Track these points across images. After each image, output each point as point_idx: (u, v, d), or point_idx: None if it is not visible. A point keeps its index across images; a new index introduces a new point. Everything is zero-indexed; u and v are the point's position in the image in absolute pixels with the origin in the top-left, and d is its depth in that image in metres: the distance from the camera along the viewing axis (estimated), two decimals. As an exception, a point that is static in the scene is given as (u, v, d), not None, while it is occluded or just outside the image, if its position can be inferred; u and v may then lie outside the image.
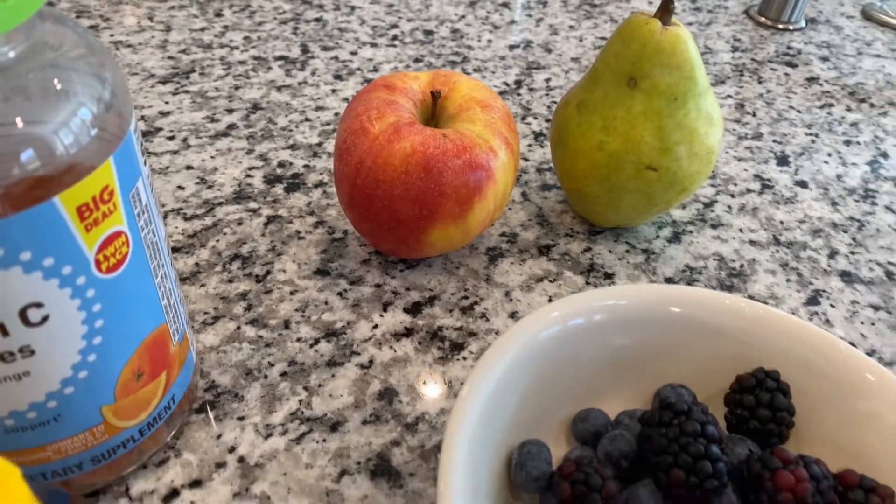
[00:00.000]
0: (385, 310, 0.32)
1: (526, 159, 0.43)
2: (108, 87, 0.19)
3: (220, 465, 0.25)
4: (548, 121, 0.47)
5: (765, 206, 0.41)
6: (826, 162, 0.45)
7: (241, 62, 0.50)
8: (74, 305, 0.19)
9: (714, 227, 0.39)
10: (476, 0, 0.63)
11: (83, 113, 0.18)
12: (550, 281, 0.35)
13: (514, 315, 0.33)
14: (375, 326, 0.31)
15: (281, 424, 0.27)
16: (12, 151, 0.17)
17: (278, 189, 0.39)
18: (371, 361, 0.30)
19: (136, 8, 0.56)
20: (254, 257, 0.34)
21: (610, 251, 0.37)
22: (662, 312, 0.27)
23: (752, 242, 0.38)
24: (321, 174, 0.40)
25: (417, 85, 0.32)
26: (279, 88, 0.47)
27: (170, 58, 0.50)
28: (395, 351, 0.30)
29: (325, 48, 0.53)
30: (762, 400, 0.25)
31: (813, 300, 0.35)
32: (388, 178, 0.29)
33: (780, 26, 0.63)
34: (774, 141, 0.47)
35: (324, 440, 0.27)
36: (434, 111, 0.31)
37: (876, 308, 0.35)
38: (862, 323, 0.34)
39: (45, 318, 0.18)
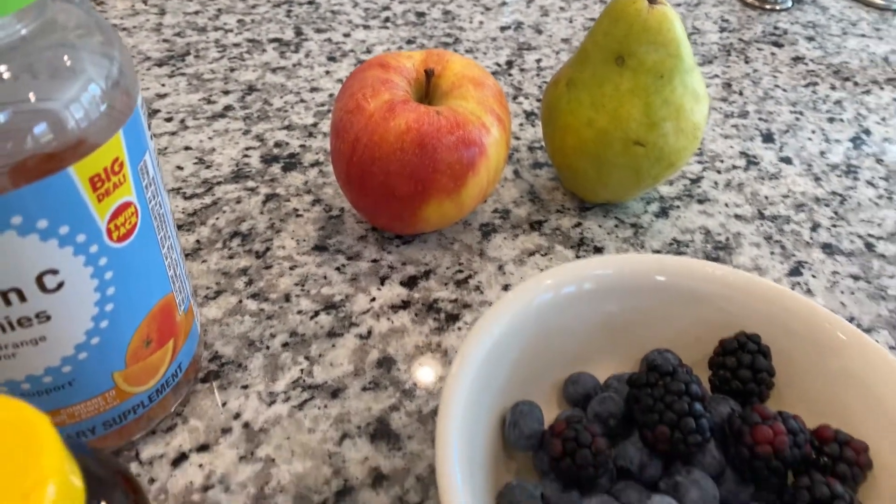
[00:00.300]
0: (382, 283, 0.33)
1: (517, 138, 0.44)
2: (116, 65, 0.20)
3: (226, 431, 0.27)
4: (538, 100, 0.48)
5: (750, 181, 0.42)
6: (810, 139, 0.46)
7: (236, 45, 0.51)
8: (88, 273, 0.20)
9: (700, 202, 0.40)
10: (467, -18, 0.63)
11: (93, 89, 0.19)
12: (542, 255, 0.36)
13: (507, 288, 0.34)
14: (373, 299, 0.32)
15: (283, 392, 0.28)
16: (27, 125, 0.17)
17: (275, 168, 0.39)
18: (370, 332, 0.31)
19: (130, -9, 0.56)
20: (253, 234, 0.35)
21: (599, 226, 0.38)
22: (648, 281, 0.28)
23: (738, 216, 0.39)
24: (317, 154, 0.41)
25: (411, 63, 0.33)
26: (274, 70, 0.48)
27: (165, 41, 0.50)
28: (393, 322, 0.31)
29: (319, 30, 0.54)
30: (743, 362, 0.26)
31: (795, 271, 0.36)
32: (383, 154, 0.30)
33: (768, 7, 0.63)
34: (760, 119, 0.48)
35: (325, 406, 0.28)
36: (428, 89, 0.32)
37: (856, 278, 0.36)
38: (842, 292, 0.35)
39: (60, 285, 0.19)
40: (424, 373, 0.29)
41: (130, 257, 0.21)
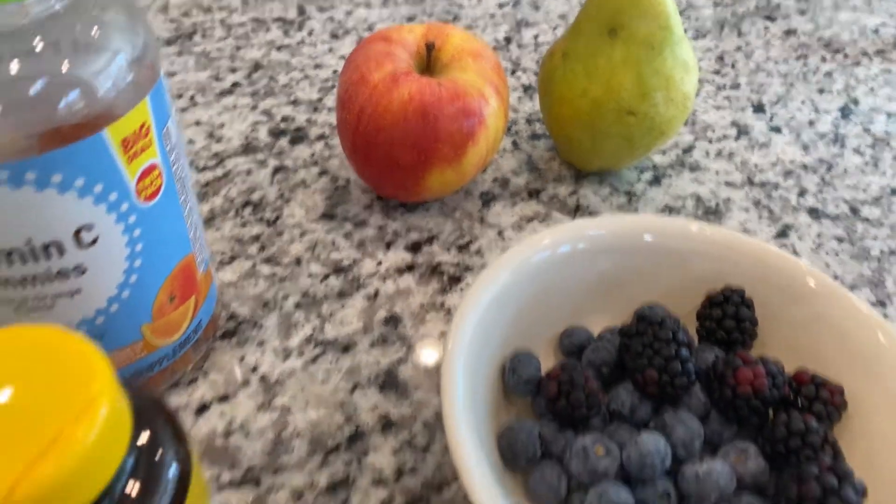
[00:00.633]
0: (388, 249, 0.35)
1: (516, 111, 0.45)
2: (141, 38, 0.21)
3: (245, 383, 0.28)
4: (536, 74, 0.49)
5: (740, 150, 0.44)
6: (800, 109, 0.48)
7: (241, 24, 0.52)
8: (119, 230, 0.21)
9: (692, 170, 0.42)
10: (466, -40, 0.64)
11: (120, 60, 0.20)
12: (540, 221, 0.37)
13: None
14: (379, 263, 0.34)
15: (297, 347, 0.30)
16: (61, 92, 0.19)
17: (283, 142, 0.41)
18: (377, 293, 0.33)
19: (135, -27, 0.58)
20: (264, 204, 0.37)
21: (595, 193, 0.39)
22: (637, 240, 0.29)
23: (728, 184, 0.41)
24: (322, 128, 0.42)
25: (412, 37, 0.34)
26: (278, 48, 0.49)
27: (172, 21, 0.52)
28: (399, 284, 0.33)
29: (321, 9, 0.55)
30: (728, 313, 0.28)
31: (782, 234, 0.38)
32: (387, 124, 0.32)
33: (761, -19, 0.64)
34: (752, 91, 0.49)
35: (336, 360, 0.30)
36: (429, 62, 0.34)
37: (840, 240, 0.38)
38: (826, 253, 0.37)
39: (94, 240, 0.21)
40: (429, 329, 0.31)
41: (156, 216, 0.23)
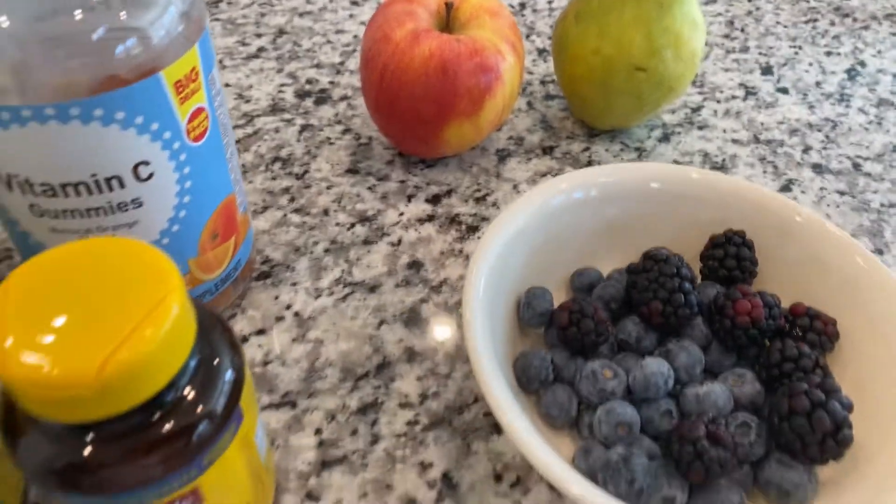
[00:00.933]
0: (409, 201, 0.37)
1: (530, 73, 0.47)
2: (189, -9, 0.23)
3: (280, 319, 0.31)
4: (550, 38, 0.51)
5: (748, 110, 0.45)
6: (807, 71, 0.49)
7: (264, -8, 0.54)
8: (171, 167, 0.24)
9: (700, 128, 0.43)
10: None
11: (172, 11, 0.22)
12: (553, 176, 0.39)
13: (521, 203, 0.37)
14: (402, 214, 0.36)
15: (328, 288, 0.32)
16: (121, 39, 0.21)
17: (308, 102, 0.43)
18: (400, 241, 0.35)
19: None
20: (292, 159, 0.39)
21: (606, 150, 0.41)
22: (644, 187, 0.31)
23: (734, 141, 0.43)
24: (345, 89, 0.44)
25: (433, -2, 0.36)
26: (301, 15, 0.51)
27: (198, -10, 0.54)
28: (420, 233, 0.35)
29: (341, -22, 0.56)
30: (729, 253, 0.30)
31: (785, 188, 0.39)
32: (409, 79, 0.34)
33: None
34: (760, 53, 0.51)
35: (364, 299, 0.32)
36: (448, 20, 0.35)
37: (842, 193, 0.39)
38: (828, 206, 0.39)
39: (150, 175, 0.23)
40: (449, 273, 0.33)
41: (203, 156, 0.25)
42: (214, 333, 0.20)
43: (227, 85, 0.44)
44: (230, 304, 0.31)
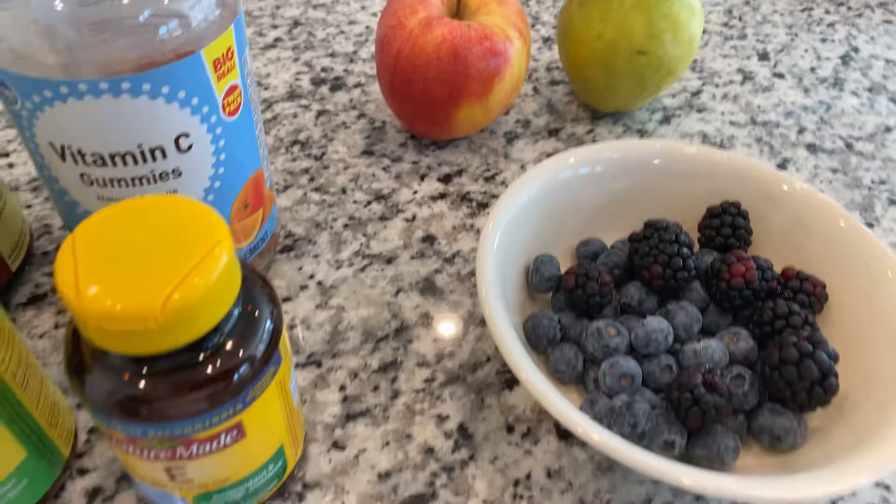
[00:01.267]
0: (422, 180, 0.39)
1: (536, 60, 0.49)
2: (223, -24, 0.25)
3: (304, 287, 0.33)
4: (555, 27, 0.53)
5: (745, 94, 0.47)
6: (802, 56, 0.51)
7: (278, -14, 0.56)
8: (209, 139, 0.26)
9: (699, 111, 0.45)
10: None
11: (208, -5, 0.24)
12: (558, 156, 0.41)
13: (528, 181, 0.39)
14: (415, 192, 0.38)
15: (348, 259, 0.34)
16: (163, 21, 0.23)
17: (324, 89, 0.45)
18: (414, 217, 0.37)
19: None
20: (310, 142, 0.41)
21: (609, 132, 0.43)
22: (646, 163, 0.33)
23: (732, 123, 0.44)
24: (359, 77, 0.46)
25: (444, -13, 0.38)
26: (315, 7, 0.53)
27: (214, -16, 0.56)
28: (433, 209, 0.37)
29: (352, -28, 0.59)
30: (725, 222, 0.32)
31: (781, 166, 0.41)
32: (422, 63, 0.35)
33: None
34: (757, 40, 0.53)
35: (382, 269, 0.34)
36: (458, 8, 0.37)
37: (834, 171, 0.41)
38: (821, 182, 0.40)
39: (190, 147, 0.25)
40: (461, 246, 0.35)
41: (237, 130, 0.27)
42: (255, 286, 0.22)
43: (246, 73, 0.46)
44: (257, 274, 0.33)
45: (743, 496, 0.21)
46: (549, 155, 0.41)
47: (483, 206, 0.38)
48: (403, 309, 0.32)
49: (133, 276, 0.18)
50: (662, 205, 0.34)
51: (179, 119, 0.24)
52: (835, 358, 0.26)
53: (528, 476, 0.27)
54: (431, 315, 0.32)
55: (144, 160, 0.24)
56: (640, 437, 0.25)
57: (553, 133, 0.43)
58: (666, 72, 0.39)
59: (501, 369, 0.30)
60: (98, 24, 0.23)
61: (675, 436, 0.25)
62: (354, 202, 0.37)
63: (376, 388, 0.29)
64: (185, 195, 0.26)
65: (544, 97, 0.46)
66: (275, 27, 0.51)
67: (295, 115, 0.43)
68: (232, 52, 0.25)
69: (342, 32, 0.51)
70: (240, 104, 0.26)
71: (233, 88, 0.26)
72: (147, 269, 0.18)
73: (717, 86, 0.48)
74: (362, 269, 0.34)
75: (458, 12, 0.38)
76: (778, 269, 0.31)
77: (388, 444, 0.27)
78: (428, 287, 0.33)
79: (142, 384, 0.19)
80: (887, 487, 0.27)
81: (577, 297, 0.29)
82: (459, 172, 0.40)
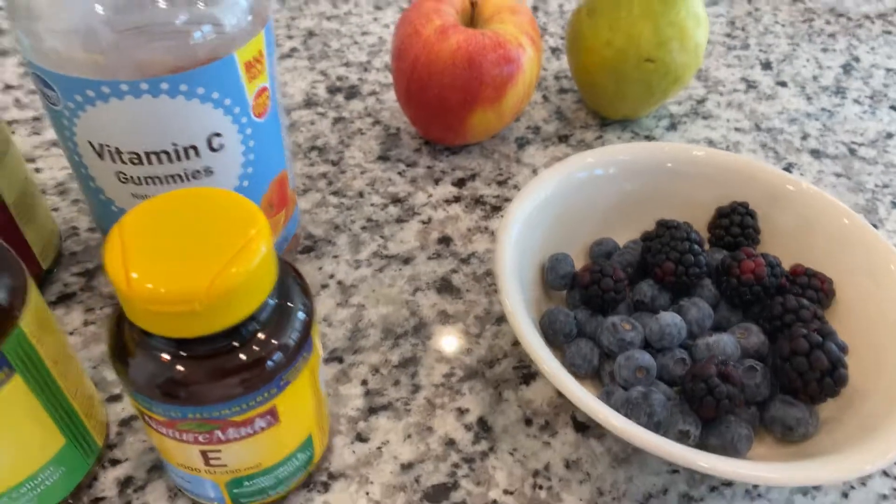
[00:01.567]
0: (437, 184, 0.40)
1: (545, 69, 0.50)
2: (253, -15, 0.26)
3: (324, 286, 0.34)
4: (562, 38, 0.54)
5: (749, 102, 0.48)
6: (804, 66, 0.52)
7: (292, -1, 0.57)
8: (239, 139, 0.27)
9: (705, 118, 0.46)
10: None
11: (242, 3, 0.25)
12: (569, 161, 0.42)
13: (540, 185, 0.40)
14: (430, 196, 0.39)
15: (366, 260, 0.35)
16: (200, 25, 0.24)
17: (339, 97, 0.46)
18: (430, 219, 0.38)
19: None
20: (327, 148, 0.42)
21: (618, 138, 0.44)
22: (658, 165, 0.34)
23: (737, 129, 0.46)
24: (373, 85, 0.47)
25: (458, -3, 0.39)
26: (328, 18, 0.55)
27: (230, -3, 0.57)
28: (448, 212, 0.38)
29: (363, -15, 0.60)
30: (734, 221, 0.33)
31: (786, 170, 0.42)
32: (438, 70, 0.37)
33: (771, -46, 0.68)
34: (760, 50, 0.54)
35: (400, 269, 0.35)
36: (472, 16, 0.39)
37: (838, 175, 0.42)
38: (825, 186, 0.41)
39: (221, 146, 0.26)
40: (476, 247, 0.36)
41: (265, 132, 0.28)
42: (290, 279, 0.23)
43: (263, 82, 0.47)
44: (279, 274, 0.34)
45: (755, 478, 0.22)
46: (559, 160, 0.42)
47: (496, 209, 0.39)
48: (421, 307, 0.33)
49: (178, 262, 0.19)
50: (673, 206, 0.35)
51: (213, 119, 0.25)
52: (844, 349, 0.27)
53: (547, 467, 0.27)
54: (449, 313, 0.33)
55: (178, 158, 0.25)
56: (656, 427, 0.26)
57: (563, 139, 0.44)
58: (673, 79, 0.40)
59: (518, 365, 0.31)
60: (136, 28, 0.24)
61: (690, 426, 0.26)
62: (371, 205, 0.38)
63: (397, 383, 0.30)
64: (215, 193, 0.27)
65: (553, 105, 0.47)
66: (290, 38, 0.52)
67: (312, 123, 0.44)
68: (262, 56, 0.26)
69: (356, 43, 0.52)
70: (268, 106, 0.28)
71: (262, 90, 0.27)
72: (191, 255, 0.19)
73: (721, 94, 0.49)
74: (380, 270, 0.35)
75: (472, 21, 0.39)
76: (785, 267, 0.32)
77: (409, 436, 0.28)
78: (445, 286, 0.34)
79: (182, 367, 0.20)
80: (897, 477, 0.28)
81: (593, 293, 0.30)
82: (473, 177, 0.41)
